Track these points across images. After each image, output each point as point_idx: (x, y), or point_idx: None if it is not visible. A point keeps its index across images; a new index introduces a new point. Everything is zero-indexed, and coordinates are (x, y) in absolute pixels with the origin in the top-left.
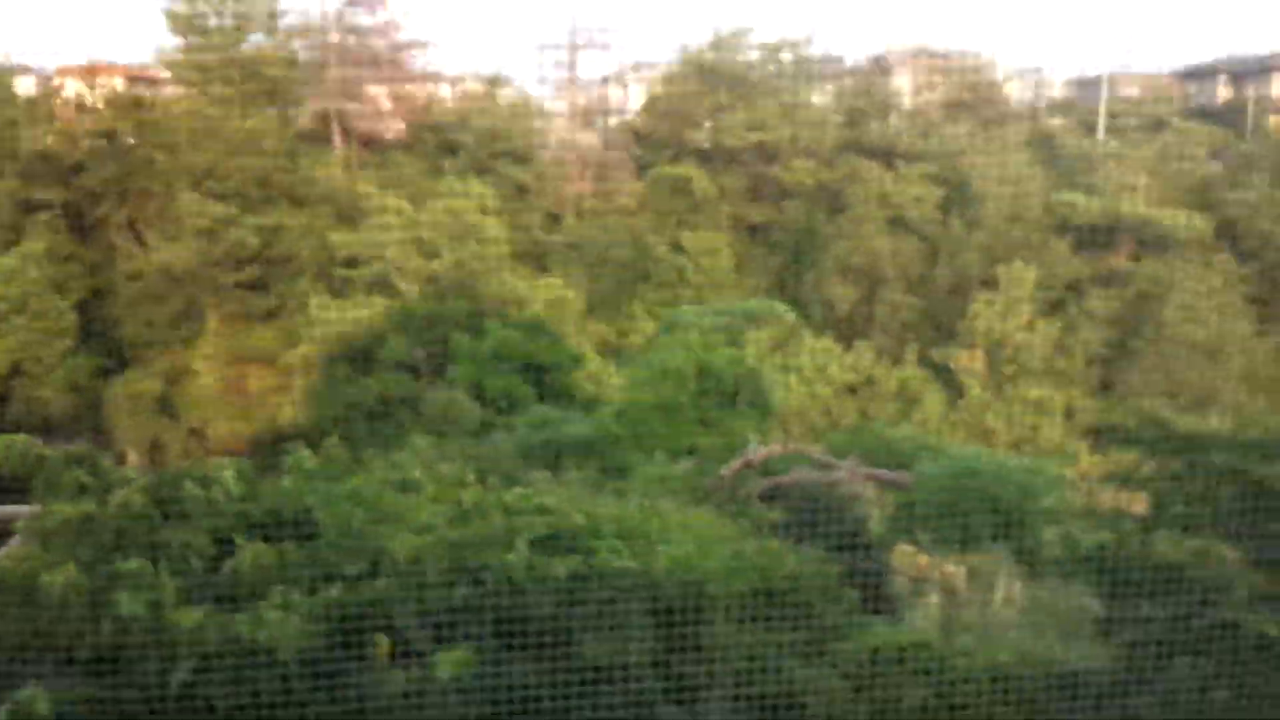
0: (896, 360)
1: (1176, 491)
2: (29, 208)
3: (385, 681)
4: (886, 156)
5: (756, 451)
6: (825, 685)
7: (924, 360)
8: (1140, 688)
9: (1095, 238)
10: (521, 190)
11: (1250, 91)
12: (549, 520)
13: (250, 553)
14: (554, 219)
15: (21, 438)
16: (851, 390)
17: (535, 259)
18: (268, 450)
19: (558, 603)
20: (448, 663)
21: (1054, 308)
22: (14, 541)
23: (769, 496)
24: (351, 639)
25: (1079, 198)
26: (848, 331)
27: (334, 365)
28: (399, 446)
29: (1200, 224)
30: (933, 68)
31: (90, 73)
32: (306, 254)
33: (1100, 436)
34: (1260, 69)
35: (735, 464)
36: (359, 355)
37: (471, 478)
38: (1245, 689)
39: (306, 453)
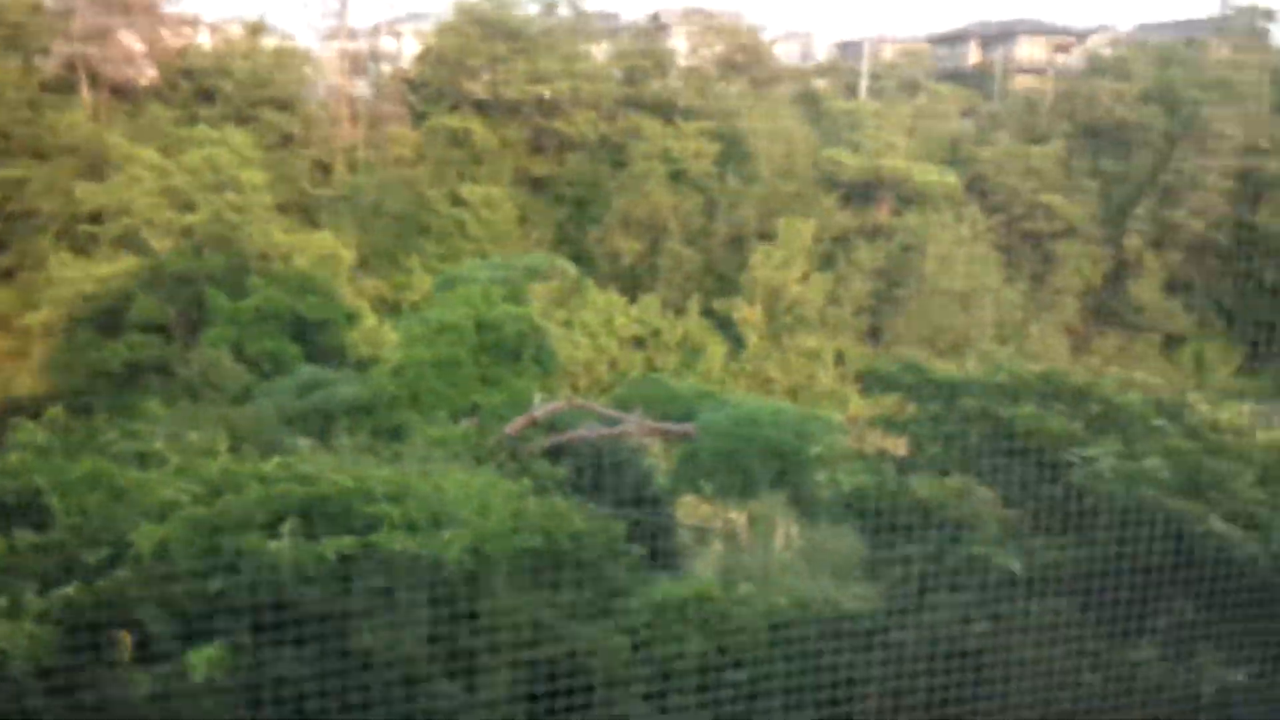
0: (680, 312)
1: (933, 434)
2: None
3: (131, 684)
4: (666, 112)
5: (541, 408)
6: (607, 644)
7: (706, 312)
8: (904, 622)
9: (860, 193)
10: (288, 140)
11: (997, 55)
12: (312, 491)
13: None
14: (324, 170)
15: None
16: (637, 342)
17: (303, 212)
18: (2, 421)
19: (326, 581)
20: (200, 661)
21: (825, 260)
22: None
23: (554, 453)
24: (92, 640)
25: (844, 155)
26: (632, 284)
27: (77, 328)
28: (145, 414)
29: (952, 180)
30: (706, 27)
31: None
32: (49, 209)
33: (869, 382)
34: (1004, 34)
35: (519, 421)
36: (105, 317)
37: (223, 447)
38: (998, 620)
39: (32, 425)
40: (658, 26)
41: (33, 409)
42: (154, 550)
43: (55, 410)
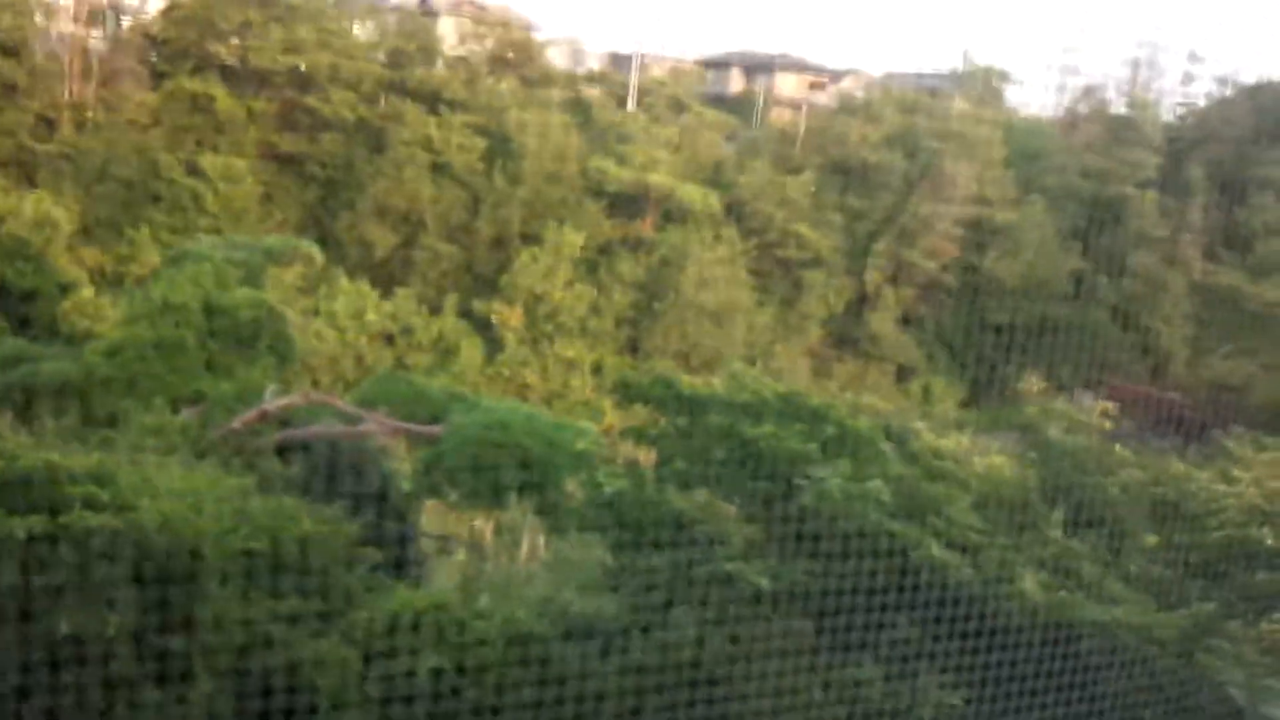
0: (436, 310)
1: (680, 448)
2: None
3: None
4: (430, 102)
5: (274, 401)
6: (335, 656)
7: (464, 312)
8: (644, 636)
9: (625, 204)
10: (10, 90)
11: (758, 85)
12: (11, 468)
13: None
14: (49, 126)
15: None
16: (388, 339)
17: (21, 169)
18: None
19: (15, 568)
20: None
21: (589, 269)
22: None
23: (286, 451)
24: None
25: (611, 165)
26: (385, 277)
27: None
28: None
29: (714, 200)
30: (477, 19)
31: None
32: None
33: (622, 393)
34: (766, 66)
35: (249, 414)
36: None
37: None
38: (739, 637)
39: None
40: (426, 12)
41: None
42: None
43: None
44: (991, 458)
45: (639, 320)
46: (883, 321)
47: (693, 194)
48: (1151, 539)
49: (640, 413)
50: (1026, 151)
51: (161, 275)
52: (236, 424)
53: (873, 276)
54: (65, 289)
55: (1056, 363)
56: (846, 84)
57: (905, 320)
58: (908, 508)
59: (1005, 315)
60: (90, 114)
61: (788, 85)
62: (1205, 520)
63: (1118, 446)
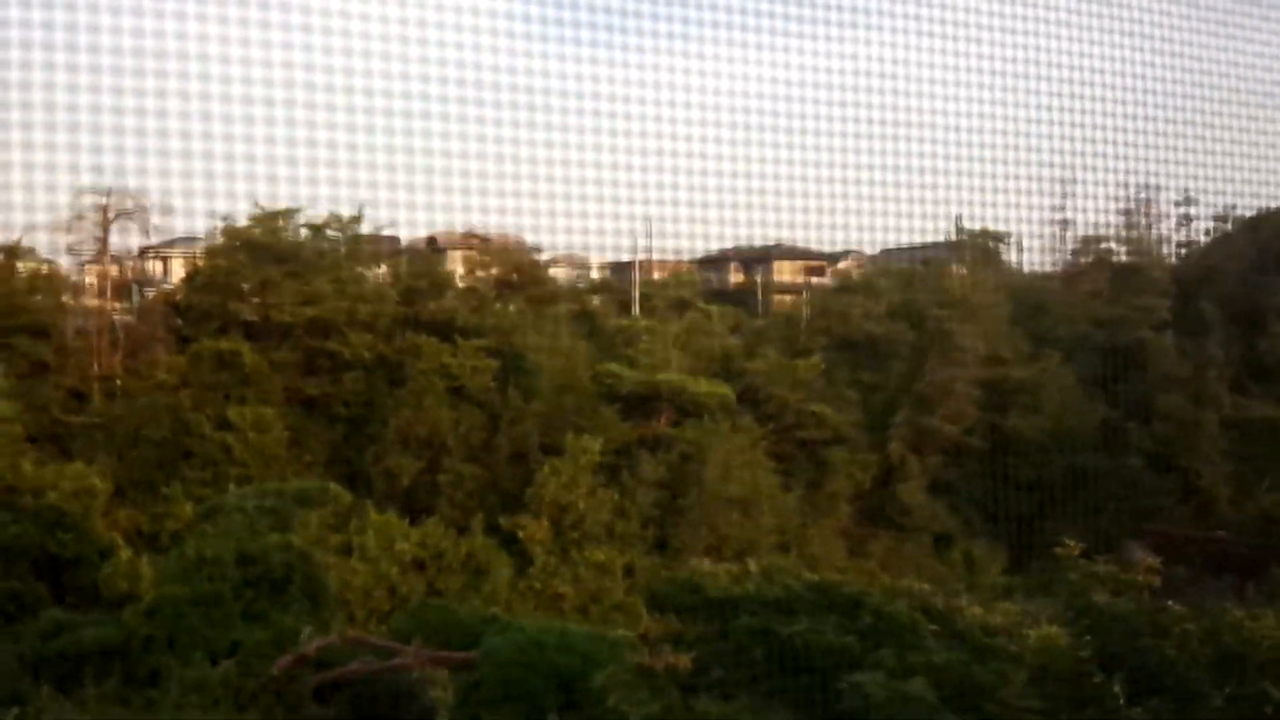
0: (464, 531)
1: (716, 653)
2: None
3: None
4: (444, 331)
5: (310, 643)
6: None
7: (491, 529)
8: None
9: (639, 405)
10: (40, 368)
11: (757, 276)
12: None
13: None
14: (78, 398)
15: None
16: (419, 565)
17: (56, 442)
18: None
19: None
20: None
21: (610, 473)
22: None
23: (325, 692)
24: None
25: (622, 369)
26: (412, 504)
27: None
28: None
29: (726, 391)
30: (482, 250)
31: None
32: None
33: (651, 603)
34: (762, 257)
35: (286, 659)
36: None
37: None
38: None
39: None
40: (435, 249)
41: None
42: None
43: None
44: (1043, 628)
45: (665, 518)
46: (912, 491)
47: (705, 387)
48: (1218, 698)
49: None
50: (1032, 307)
51: (195, 530)
52: (275, 670)
53: (896, 447)
54: (104, 554)
55: (1096, 515)
56: (844, 265)
57: (935, 488)
58: (957, 697)
59: (1036, 472)
60: (119, 382)
61: (785, 272)
62: (1274, 667)
63: (1170, 603)
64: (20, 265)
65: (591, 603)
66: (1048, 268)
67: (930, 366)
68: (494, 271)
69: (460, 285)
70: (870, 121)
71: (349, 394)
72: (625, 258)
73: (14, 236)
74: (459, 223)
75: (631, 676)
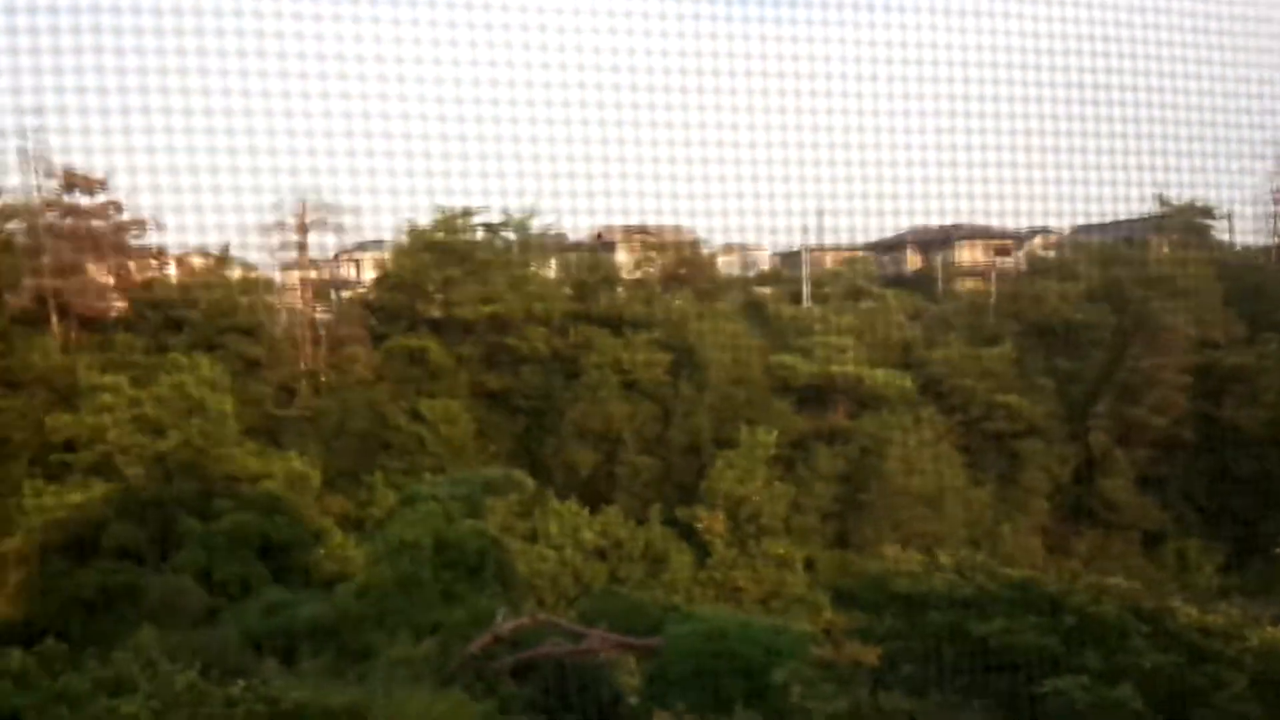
0: (642, 521)
1: (905, 650)
2: None
3: None
4: (615, 325)
5: (504, 625)
6: None
7: (668, 520)
8: None
9: (814, 397)
10: (252, 365)
11: (937, 259)
12: (273, 711)
13: None
14: (289, 393)
15: None
16: (600, 554)
17: (269, 434)
18: None
19: None
20: None
21: (786, 466)
22: None
23: (520, 672)
24: None
25: (795, 360)
26: (592, 494)
27: (50, 555)
28: (119, 641)
29: (906, 383)
30: (649, 243)
31: None
32: (21, 438)
33: (836, 600)
34: (943, 239)
35: (482, 639)
36: (78, 543)
37: (193, 674)
38: None
39: (17, 653)
40: (603, 245)
41: (9, 636)
42: None
43: (49, 639)
44: (1267, 631)
45: (845, 513)
46: (1118, 486)
47: (884, 379)
48: None
49: (855, 614)
50: (1247, 287)
51: (396, 516)
52: (473, 649)
53: (1097, 439)
54: (316, 537)
55: None
56: (1034, 244)
57: (1143, 482)
58: (1167, 703)
59: (1255, 466)
60: (323, 378)
61: (969, 255)
62: None
63: None
64: (230, 270)
65: (772, 596)
66: (1264, 244)
67: (1134, 353)
68: (661, 264)
69: (628, 279)
70: (1063, 85)
71: (528, 387)
72: (795, 245)
73: (223, 243)
74: (626, 217)
75: (815, 672)
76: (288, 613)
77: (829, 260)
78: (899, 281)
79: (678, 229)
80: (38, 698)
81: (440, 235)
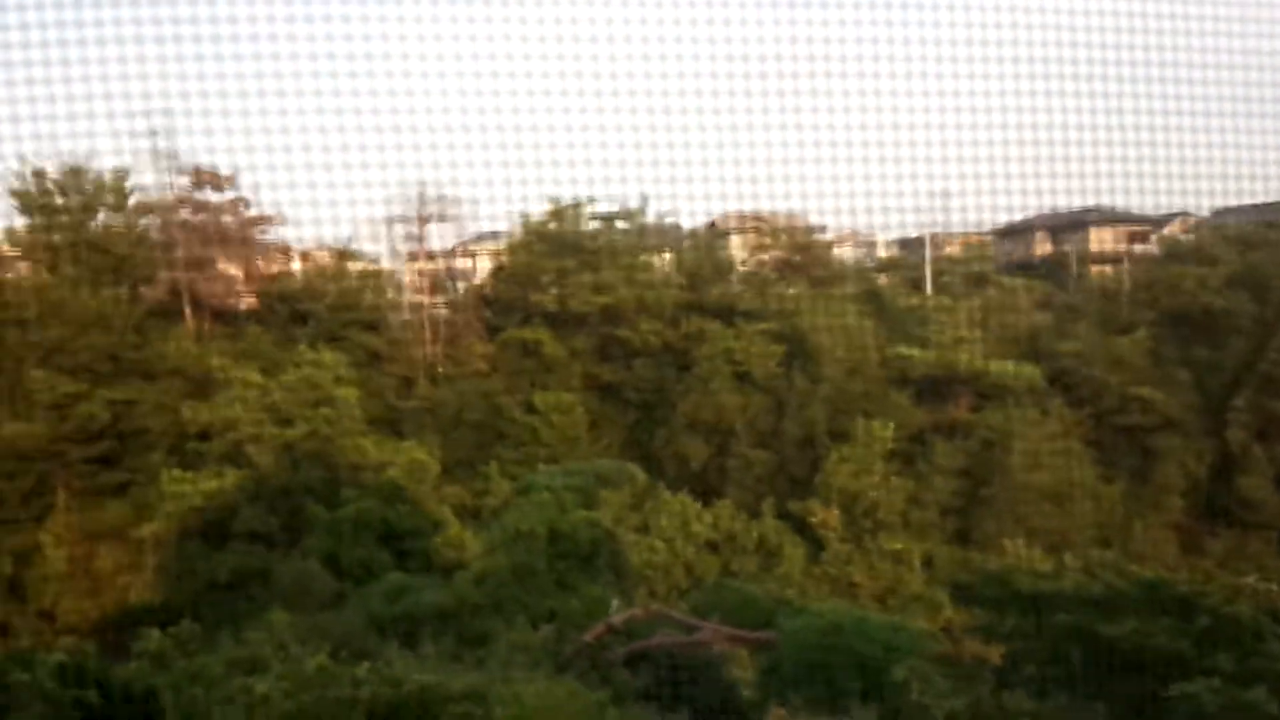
0: (754, 515)
1: (1028, 650)
2: None
3: None
4: (727, 315)
5: (618, 615)
6: None
7: (782, 514)
8: None
9: (934, 389)
10: (374, 357)
11: (1068, 245)
12: (396, 693)
13: None
14: (408, 384)
15: None
16: (713, 547)
17: (390, 424)
18: (120, 630)
19: None
20: None
21: (903, 460)
22: None
23: (633, 661)
24: None
25: (914, 351)
26: (703, 487)
27: (187, 539)
28: (251, 623)
29: (1033, 373)
30: (763, 231)
31: None
32: (158, 427)
33: (956, 596)
34: (1074, 224)
35: (597, 629)
36: (212, 528)
37: (323, 656)
38: None
39: (155, 633)
40: (716, 233)
41: (146, 617)
42: None
43: (185, 620)
44: None
45: (966, 509)
46: (1257, 484)
47: (1008, 370)
48: None
49: (976, 611)
50: None
51: (512, 506)
52: (588, 638)
53: (1236, 434)
54: (435, 525)
55: None
56: (1171, 229)
57: None
58: None
59: None
60: (441, 370)
61: (1102, 240)
62: None
63: None
64: (351, 264)
65: (888, 593)
66: None
67: (1276, 343)
68: (776, 253)
69: (742, 269)
70: (1200, 64)
71: (640, 379)
72: (914, 232)
73: (345, 237)
74: (740, 205)
75: (934, 669)
76: (409, 598)
77: (952, 246)
78: (1026, 268)
79: (793, 216)
80: (174, 677)
81: (554, 227)
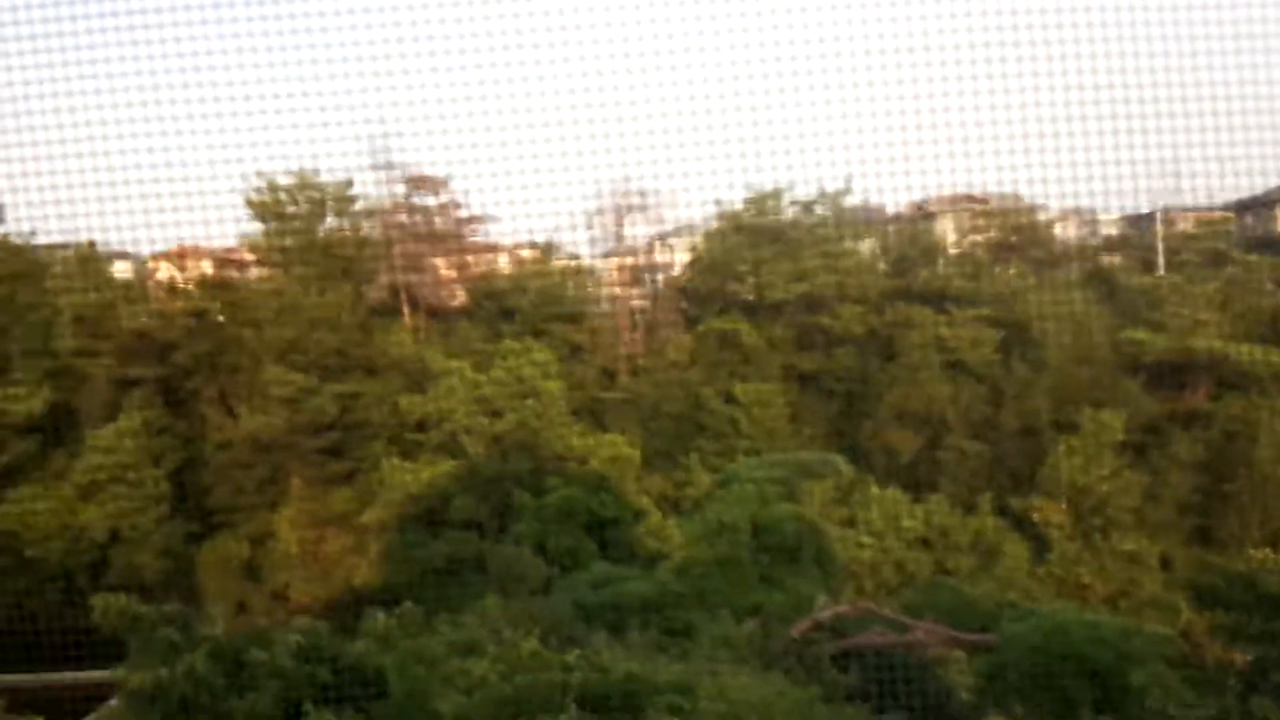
0: (970, 510)
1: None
2: (126, 384)
3: None
4: (937, 301)
5: (825, 611)
6: None
7: (1000, 510)
8: None
9: (1168, 377)
10: (576, 349)
11: None
12: (603, 680)
13: None
14: (609, 376)
15: (120, 596)
16: (925, 543)
17: (592, 415)
18: (346, 611)
19: None
20: None
21: (1136, 452)
22: (112, 703)
23: (841, 659)
24: None
25: (1146, 335)
26: (914, 480)
27: (405, 525)
28: (468, 606)
29: (1278, 358)
30: (976, 212)
31: (181, 256)
32: (379, 419)
33: (1195, 599)
34: None
35: (804, 624)
36: (429, 515)
37: (534, 641)
38: None
39: (381, 614)
40: (924, 215)
41: (370, 599)
42: (456, 718)
43: (407, 603)
44: None
45: (1207, 505)
46: None
47: (1253, 355)
48: None
49: (1221, 615)
50: None
51: (714, 498)
52: (794, 633)
53: None
54: (638, 515)
55: None
56: None
57: None
58: None
59: None
60: (640, 361)
61: None
62: None
63: None
64: (554, 260)
65: (1121, 595)
66: None
67: None
68: (991, 234)
69: (953, 251)
70: None
71: (842, 368)
72: (1144, 208)
73: (548, 234)
74: (951, 185)
75: (1176, 677)
76: (615, 587)
77: (1185, 223)
78: (1268, 245)
79: (1008, 195)
80: (399, 657)
81: (751, 215)
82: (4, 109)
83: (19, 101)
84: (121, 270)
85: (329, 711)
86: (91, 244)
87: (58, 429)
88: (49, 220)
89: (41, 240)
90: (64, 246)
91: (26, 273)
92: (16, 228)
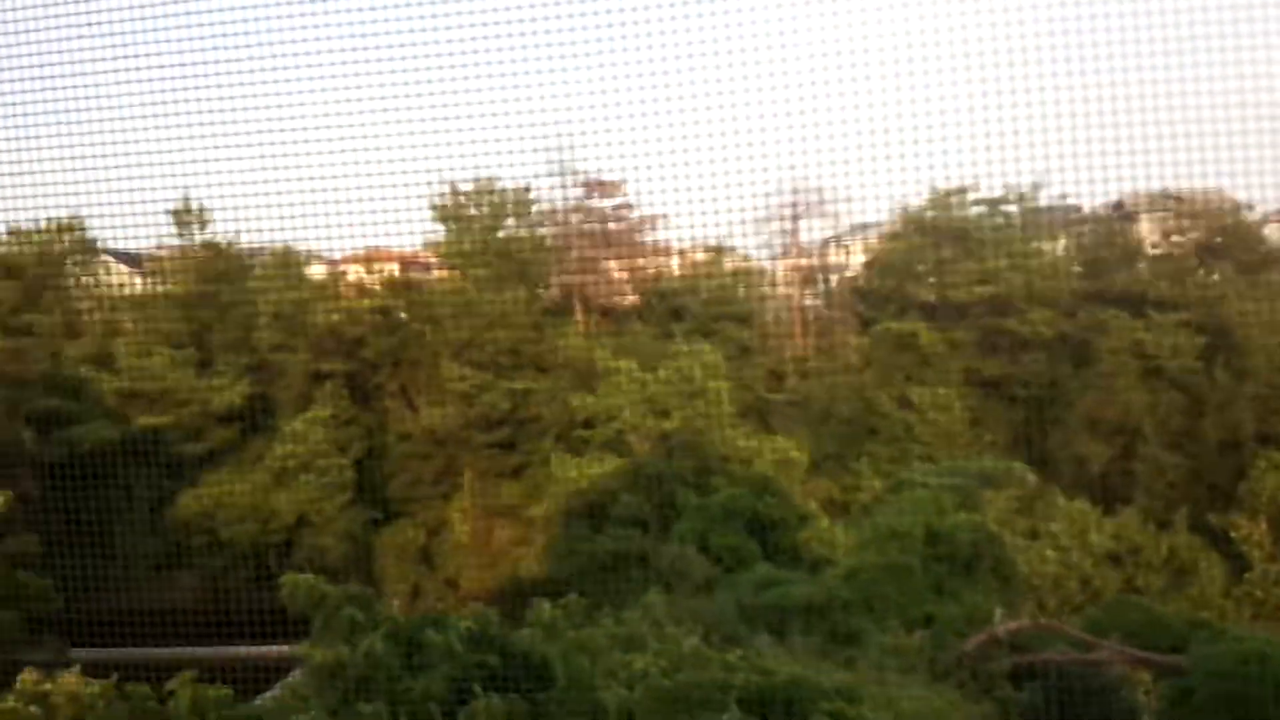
0: (1164, 526)
1: None
2: (318, 377)
3: None
4: (1135, 304)
5: (1003, 625)
6: None
7: (1197, 527)
8: None
9: None
10: (744, 351)
11: None
12: (765, 682)
13: (482, 704)
14: (777, 377)
15: (308, 576)
16: (1114, 559)
17: (759, 416)
18: (512, 600)
19: None
20: None
21: None
22: (294, 675)
23: (1018, 676)
24: None
25: None
26: (1104, 493)
27: (572, 520)
28: (630, 601)
29: None
30: (1179, 211)
31: (369, 259)
32: (549, 416)
33: None
34: None
35: (978, 638)
36: (594, 510)
37: (696, 639)
38: None
39: (547, 605)
40: (1122, 215)
41: (536, 589)
42: (619, 711)
43: (572, 595)
44: None
45: None
46: None
47: None
48: None
49: None
50: None
51: (884, 503)
52: (968, 647)
53: None
54: (803, 518)
55: None
56: None
57: None
58: None
59: None
60: (811, 363)
61: None
62: None
63: None
64: (725, 261)
65: None
66: None
67: None
68: (1194, 235)
69: (1153, 253)
70: None
71: (1029, 374)
72: None
73: (720, 235)
74: (1151, 182)
75: None
76: (779, 590)
77: None
78: None
79: (1214, 193)
80: (564, 647)
81: (933, 215)
82: (217, 124)
83: (230, 112)
84: (316, 273)
85: (497, 697)
86: (289, 247)
87: (255, 418)
88: (250, 224)
89: (244, 244)
90: (263, 250)
91: (230, 273)
92: (222, 230)
